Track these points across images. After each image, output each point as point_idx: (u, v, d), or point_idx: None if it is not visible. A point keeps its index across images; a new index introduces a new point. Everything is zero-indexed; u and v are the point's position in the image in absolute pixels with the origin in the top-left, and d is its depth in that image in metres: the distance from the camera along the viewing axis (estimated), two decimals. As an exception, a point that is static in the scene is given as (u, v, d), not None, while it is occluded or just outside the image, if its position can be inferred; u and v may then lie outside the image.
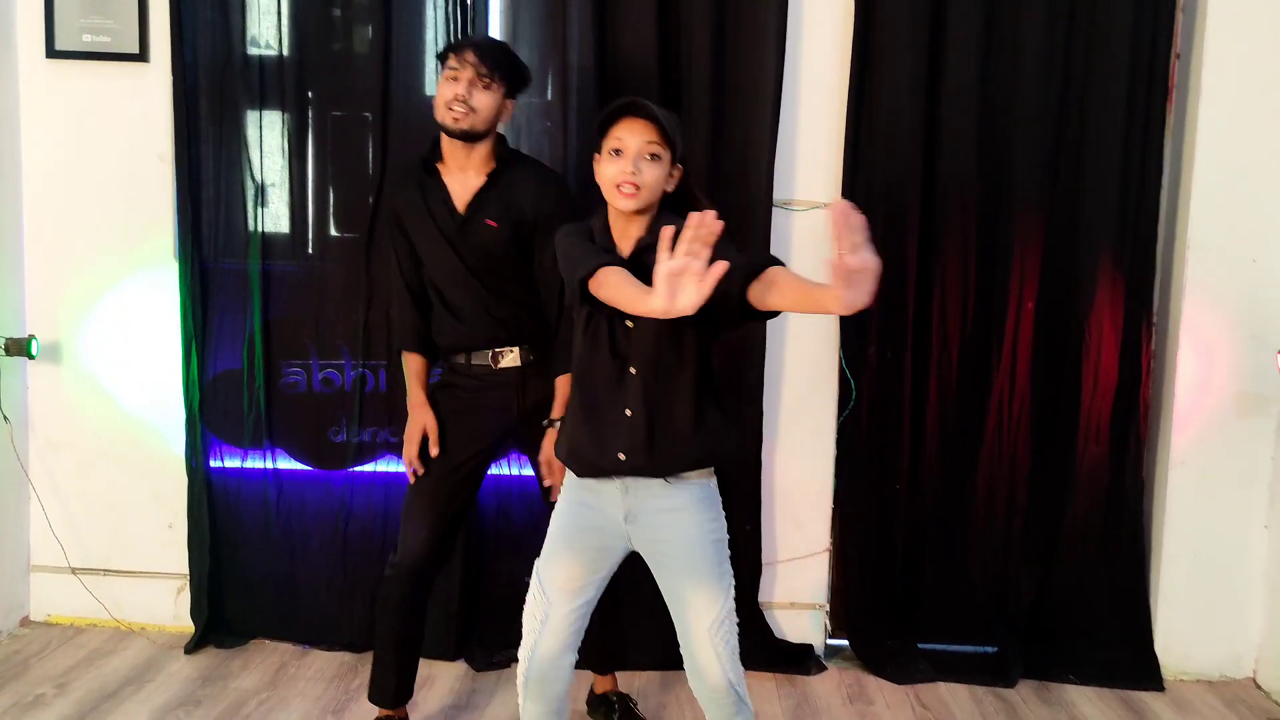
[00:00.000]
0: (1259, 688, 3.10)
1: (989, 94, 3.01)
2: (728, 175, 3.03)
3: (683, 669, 2.06)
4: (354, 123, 3.16)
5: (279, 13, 3.04)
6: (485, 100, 2.40)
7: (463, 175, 2.50)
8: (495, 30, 3.07)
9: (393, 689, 2.62)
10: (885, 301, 3.04)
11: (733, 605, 2.03)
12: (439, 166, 2.51)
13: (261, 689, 2.90)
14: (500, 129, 2.53)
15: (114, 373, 3.21)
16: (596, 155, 2.02)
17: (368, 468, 3.14)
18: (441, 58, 2.48)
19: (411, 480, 2.54)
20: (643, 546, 2.05)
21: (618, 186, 1.95)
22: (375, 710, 2.65)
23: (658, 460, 1.98)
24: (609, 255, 1.95)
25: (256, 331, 3.10)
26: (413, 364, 2.61)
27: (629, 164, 1.94)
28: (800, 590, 3.22)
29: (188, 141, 3.06)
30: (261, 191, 3.11)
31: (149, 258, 3.16)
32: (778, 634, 3.20)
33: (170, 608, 3.25)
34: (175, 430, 3.15)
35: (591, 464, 2.03)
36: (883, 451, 3.13)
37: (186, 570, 3.19)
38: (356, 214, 3.13)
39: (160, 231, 3.15)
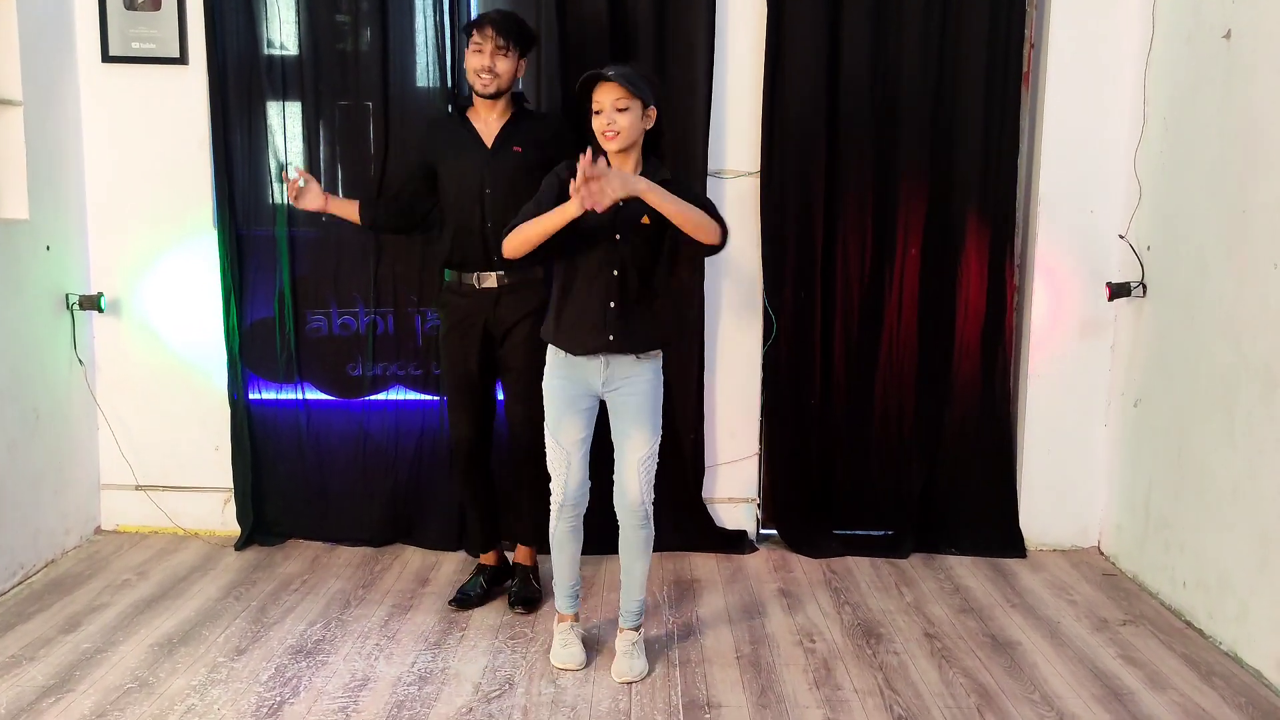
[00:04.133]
0: (1101, 553, 3.87)
1: (878, 82, 3.69)
2: (672, 151, 3.69)
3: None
4: (358, 110, 3.79)
5: (296, 19, 3.67)
6: (504, 65, 3.14)
7: (485, 122, 3.21)
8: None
9: (481, 539, 3.43)
10: (798, 252, 3.76)
11: (657, 449, 2.78)
12: (469, 114, 3.22)
13: (302, 573, 3.60)
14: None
15: (166, 322, 3.86)
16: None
17: (381, 396, 3.82)
18: (466, 31, 3.16)
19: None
20: (611, 401, 2.83)
21: (603, 134, 2.66)
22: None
23: (634, 341, 2.75)
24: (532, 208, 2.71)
25: (285, 286, 3.76)
26: (352, 209, 3.36)
27: (605, 118, 2.64)
28: (736, 487, 3.94)
29: (222, 129, 3.69)
30: (284, 169, 3.73)
31: (192, 227, 3.80)
32: (718, 523, 3.93)
33: (218, 516, 3.93)
34: (218, 369, 3.82)
35: (586, 345, 2.76)
36: (799, 373, 3.83)
37: (231, 485, 3.86)
38: (361, 186, 3.77)
39: (201, 205, 3.78)
